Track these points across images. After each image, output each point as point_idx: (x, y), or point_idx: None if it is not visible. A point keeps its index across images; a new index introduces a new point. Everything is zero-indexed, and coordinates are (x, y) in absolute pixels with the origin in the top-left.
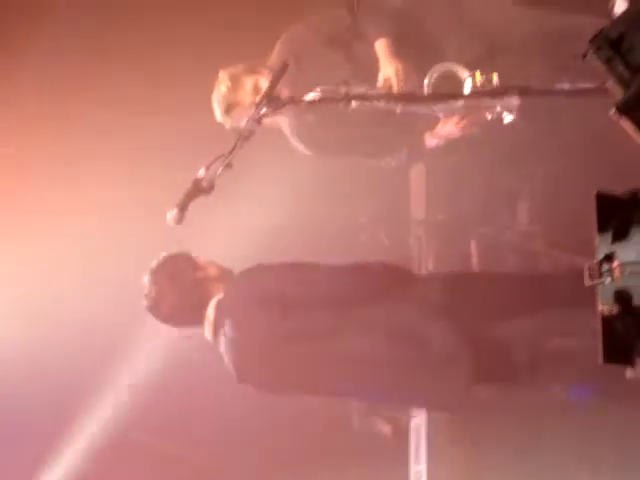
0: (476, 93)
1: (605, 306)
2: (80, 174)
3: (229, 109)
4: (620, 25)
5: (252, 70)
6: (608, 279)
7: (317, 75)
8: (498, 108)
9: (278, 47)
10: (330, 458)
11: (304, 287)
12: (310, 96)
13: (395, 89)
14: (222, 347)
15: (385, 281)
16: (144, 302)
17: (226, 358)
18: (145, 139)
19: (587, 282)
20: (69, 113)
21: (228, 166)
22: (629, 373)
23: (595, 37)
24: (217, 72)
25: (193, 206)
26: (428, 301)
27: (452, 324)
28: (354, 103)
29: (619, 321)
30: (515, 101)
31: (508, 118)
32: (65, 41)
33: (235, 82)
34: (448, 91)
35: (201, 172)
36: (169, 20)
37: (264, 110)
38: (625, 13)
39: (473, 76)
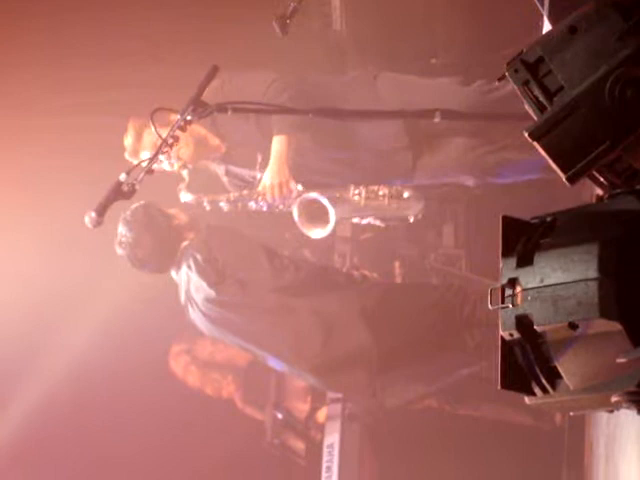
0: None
1: (506, 331)
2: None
3: (133, 156)
4: (538, 49)
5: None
6: (510, 304)
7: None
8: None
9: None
10: (241, 471)
11: (263, 270)
12: None
13: (268, 198)
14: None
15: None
16: (119, 249)
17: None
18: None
19: (490, 306)
20: None
21: (149, 172)
22: (527, 400)
23: (513, 60)
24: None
25: None
26: (363, 302)
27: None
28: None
29: (519, 347)
30: (419, 205)
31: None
32: None
33: (138, 134)
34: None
35: (122, 176)
36: None
37: (190, 117)
38: (544, 37)
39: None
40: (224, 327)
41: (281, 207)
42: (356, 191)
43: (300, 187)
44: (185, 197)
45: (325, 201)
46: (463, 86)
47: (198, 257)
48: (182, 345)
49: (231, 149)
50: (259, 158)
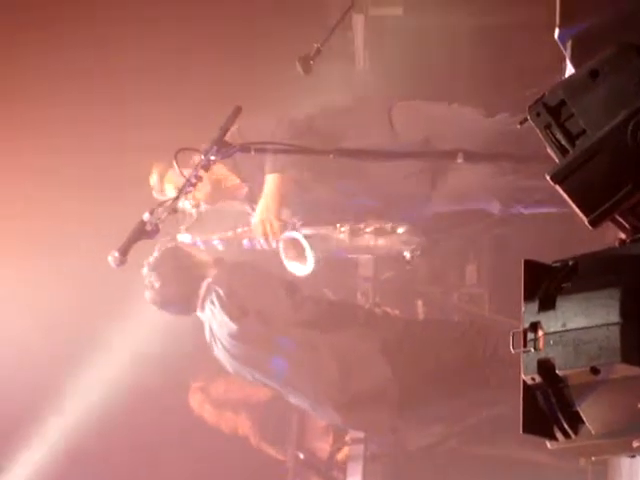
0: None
1: (528, 375)
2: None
3: (158, 194)
4: (560, 92)
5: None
6: (532, 349)
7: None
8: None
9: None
10: None
11: (283, 304)
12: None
13: (259, 237)
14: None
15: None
16: (147, 294)
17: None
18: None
19: (512, 350)
20: None
21: (173, 211)
22: (549, 445)
23: (535, 103)
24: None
25: None
26: (384, 338)
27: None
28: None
29: (541, 391)
30: (414, 240)
31: (407, 254)
32: None
33: (161, 175)
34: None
35: (145, 216)
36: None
37: (213, 157)
38: (566, 80)
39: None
40: (248, 364)
41: (273, 245)
42: (342, 229)
43: (299, 223)
44: (182, 238)
45: (303, 240)
46: (486, 117)
47: (220, 292)
48: (198, 383)
49: (253, 189)
50: None
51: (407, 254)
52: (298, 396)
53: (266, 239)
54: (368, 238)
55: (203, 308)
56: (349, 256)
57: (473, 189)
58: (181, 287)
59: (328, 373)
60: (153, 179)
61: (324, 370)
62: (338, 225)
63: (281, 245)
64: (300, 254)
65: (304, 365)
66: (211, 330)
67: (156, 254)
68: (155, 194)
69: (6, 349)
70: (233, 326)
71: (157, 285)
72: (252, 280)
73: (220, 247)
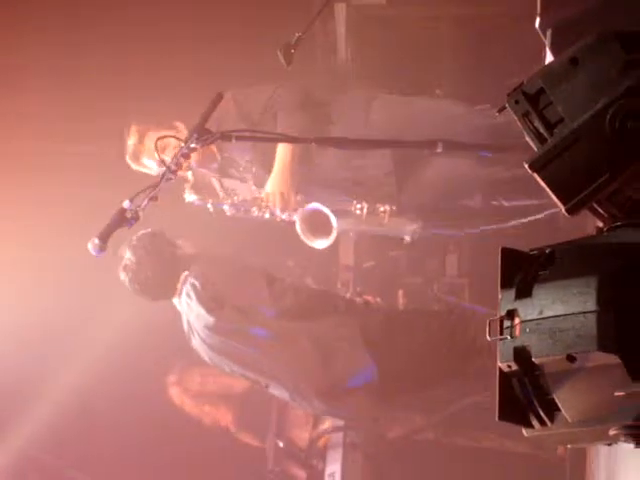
0: None
1: (504, 363)
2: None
3: (134, 160)
4: (539, 80)
5: (159, 127)
6: (508, 336)
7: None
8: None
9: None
10: None
11: (263, 295)
12: None
13: (272, 207)
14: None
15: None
16: (121, 273)
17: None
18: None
19: (489, 338)
20: None
21: (153, 199)
22: (525, 432)
23: (513, 91)
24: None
25: None
26: (364, 327)
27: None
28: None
29: (517, 379)
30: (410, 228)
31: (407, 239)
32: None
33: (140, 137)
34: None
35: (126, 203)
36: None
37: (193, 144)
38: (545, 68)
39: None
40: (225, 355)
41: (283, 217)
42: (358, 205)
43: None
44: (189, 197)
45: (327, 211)
46: (467, 107)
47: (197, 284)
48: (174, 376)
49: (225, 162)
50: (253, 169)
51: (407, 237)
52: (277, 387)
53: (280, 211)
54: (382, 216)
55: (180, 299)
56: (360, 232)
57: (454, 181)
58: (156, 272)
59: (309, 363)
60: (131, 140)
61: (304, 360)
62: (354, 201)
63: (298, 217)
64: (318, 227)
65: (282, 357)
66: (188, 322)
67: (135, 237)
68: (129, 159)
69: None
70: (209, 318)
71: (132, 267)
72: (230, 272)
73: (228, 212)
